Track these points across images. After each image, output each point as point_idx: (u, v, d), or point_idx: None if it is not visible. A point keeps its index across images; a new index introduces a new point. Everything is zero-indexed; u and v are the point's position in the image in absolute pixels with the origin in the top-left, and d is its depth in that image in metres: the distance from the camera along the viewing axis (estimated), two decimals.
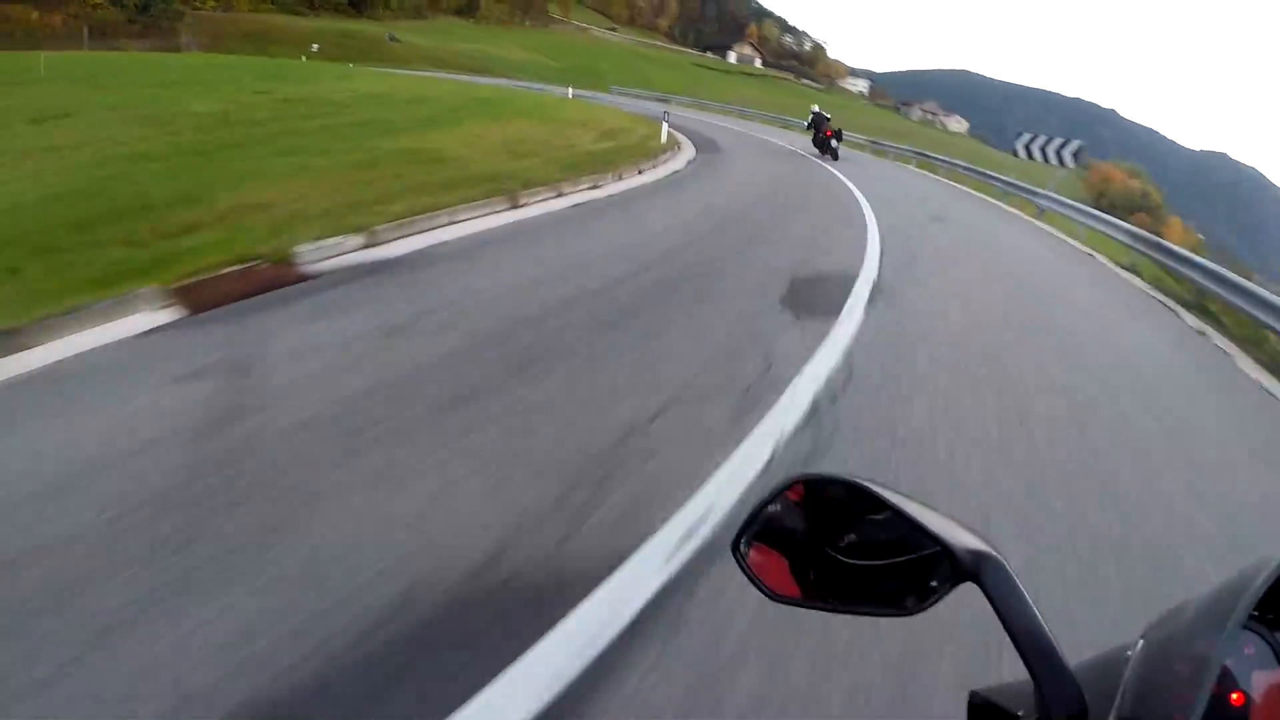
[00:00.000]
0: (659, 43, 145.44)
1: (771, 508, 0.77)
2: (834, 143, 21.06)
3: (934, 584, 0.67)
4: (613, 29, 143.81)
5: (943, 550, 0.65)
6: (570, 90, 33.59)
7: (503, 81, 41.71)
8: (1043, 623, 0.61)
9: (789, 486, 0.77)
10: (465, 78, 42.36)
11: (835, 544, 0.75)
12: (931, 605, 0.68)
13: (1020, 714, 0.64)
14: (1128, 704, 0.53)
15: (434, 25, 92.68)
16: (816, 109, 23.50)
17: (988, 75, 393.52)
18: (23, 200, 6.73)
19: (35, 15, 57.11)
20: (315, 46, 58.52)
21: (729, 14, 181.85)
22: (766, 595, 0.76)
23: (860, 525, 0.74)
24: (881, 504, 0.70)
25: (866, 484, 0.71)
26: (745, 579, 0.77)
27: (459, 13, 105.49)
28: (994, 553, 0.64)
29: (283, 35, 62.03)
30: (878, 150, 27.84)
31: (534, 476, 3.09)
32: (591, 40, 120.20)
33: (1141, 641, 0.58)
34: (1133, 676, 0.55)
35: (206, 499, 2.72)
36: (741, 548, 0.77)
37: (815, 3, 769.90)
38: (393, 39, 69.68)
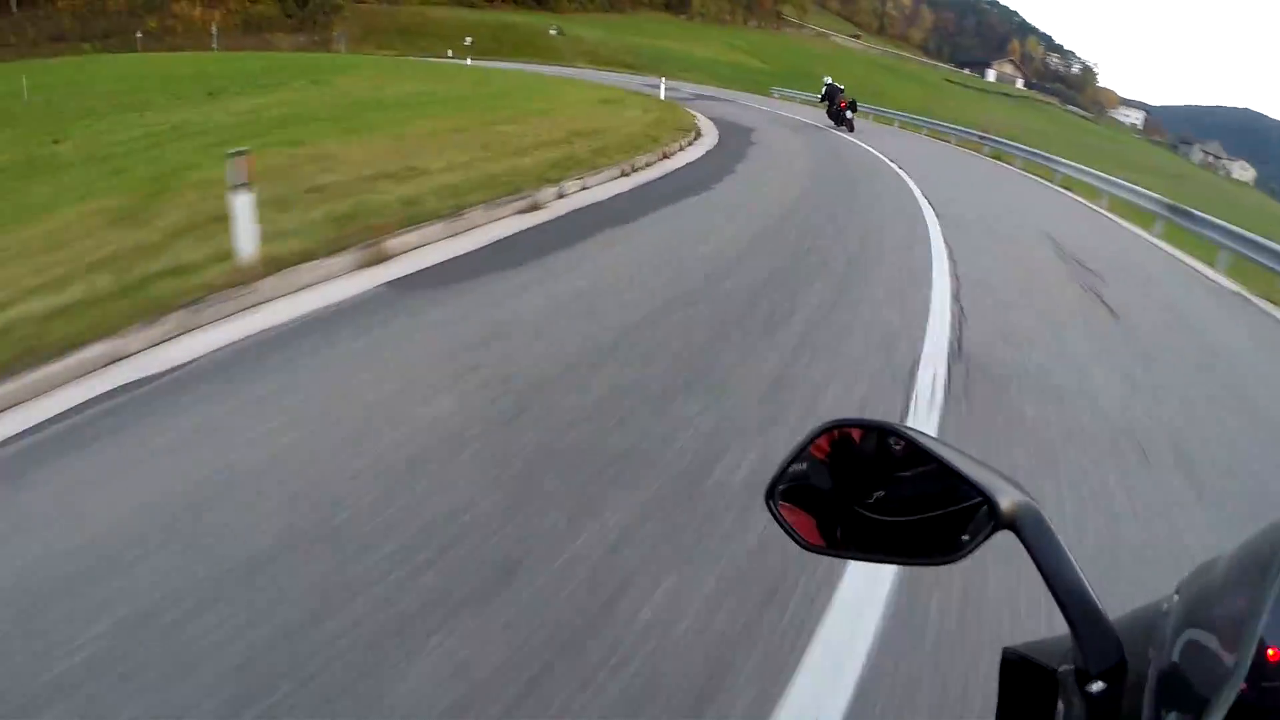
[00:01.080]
0: (908, 54, 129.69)
1: (799, 465, 0.74)
2: (848, 114, 21.57)
3: (965, 537, 0.63)
4: (856, 36, 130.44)
5: (983, 499, 0.61)
6: (663, 86, 25.18)
7: (622, 79, 34.74)
8: (1081, 574, 0.58)
9: (817, 437, 0.74)
10: (581, 74, 36.09)
11: (863, 501, 0.72)
12: (967, 555, 0.63)
13: (1057, 668, 0.61)
14: (1167, 658, 0.51)
15: (629, 20, 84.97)
16: (829, 80, 24.27)
17: (1274, 117, 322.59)
18: None
19: (198, 12, 55.71)
20: (469, 40, 54.42)
21: (990, 28, 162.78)
22: (799, 544, 0.74)
23: (889, 480, 0.70)
24: (913, 454, 0.68)
25: (900, 428, 0.69)
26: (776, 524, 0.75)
27: (667, 7, 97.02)
28: (1032, 502, 0.61)
29: (438, 29, 57.60)
30: (1140, 213, 13.71)
31: None
32: (827, 46, 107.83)
33: (1177, 596, 0.56)
34: (1172, 631, 0.53)
35: None
36: (775, 501, 0.75)
37: (1087, 23, 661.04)
38: (558, 32, 62.60)
